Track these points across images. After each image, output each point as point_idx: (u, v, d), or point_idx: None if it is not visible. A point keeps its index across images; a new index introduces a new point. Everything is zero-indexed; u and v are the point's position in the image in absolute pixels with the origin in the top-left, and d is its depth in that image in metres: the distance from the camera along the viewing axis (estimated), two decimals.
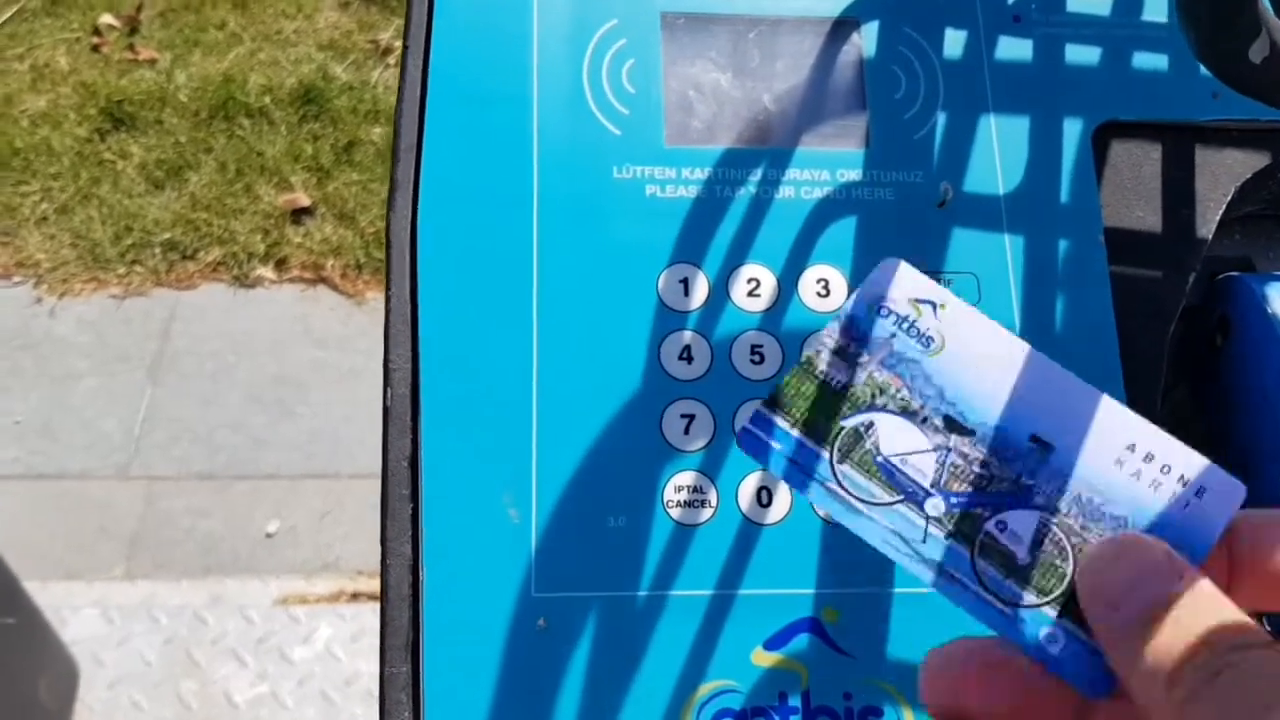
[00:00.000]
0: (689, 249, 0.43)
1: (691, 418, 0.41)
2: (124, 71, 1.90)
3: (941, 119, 0.46)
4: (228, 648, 1.29)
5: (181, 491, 1.45)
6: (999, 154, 0.45)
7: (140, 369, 1.57)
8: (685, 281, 0.43)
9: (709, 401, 0.41)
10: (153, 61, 1.93)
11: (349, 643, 1.30)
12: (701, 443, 0.41)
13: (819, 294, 0.43)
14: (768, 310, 0.43)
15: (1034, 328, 0.43)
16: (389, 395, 0.41)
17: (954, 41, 0.47)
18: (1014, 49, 0.47)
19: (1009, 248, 0.44)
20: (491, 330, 0.41)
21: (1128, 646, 0.24)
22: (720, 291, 0.43)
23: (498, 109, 0.44)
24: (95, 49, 1.95)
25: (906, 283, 0.29)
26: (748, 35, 0.46)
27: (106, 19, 1.99)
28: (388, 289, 0.42)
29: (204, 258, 1.68)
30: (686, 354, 0.42)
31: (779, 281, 0.43)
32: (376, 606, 1.33)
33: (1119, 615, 0.25)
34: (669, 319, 0.42)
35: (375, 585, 1.36)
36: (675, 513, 0.40)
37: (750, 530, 0.40)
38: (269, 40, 1.99)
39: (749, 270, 0.43)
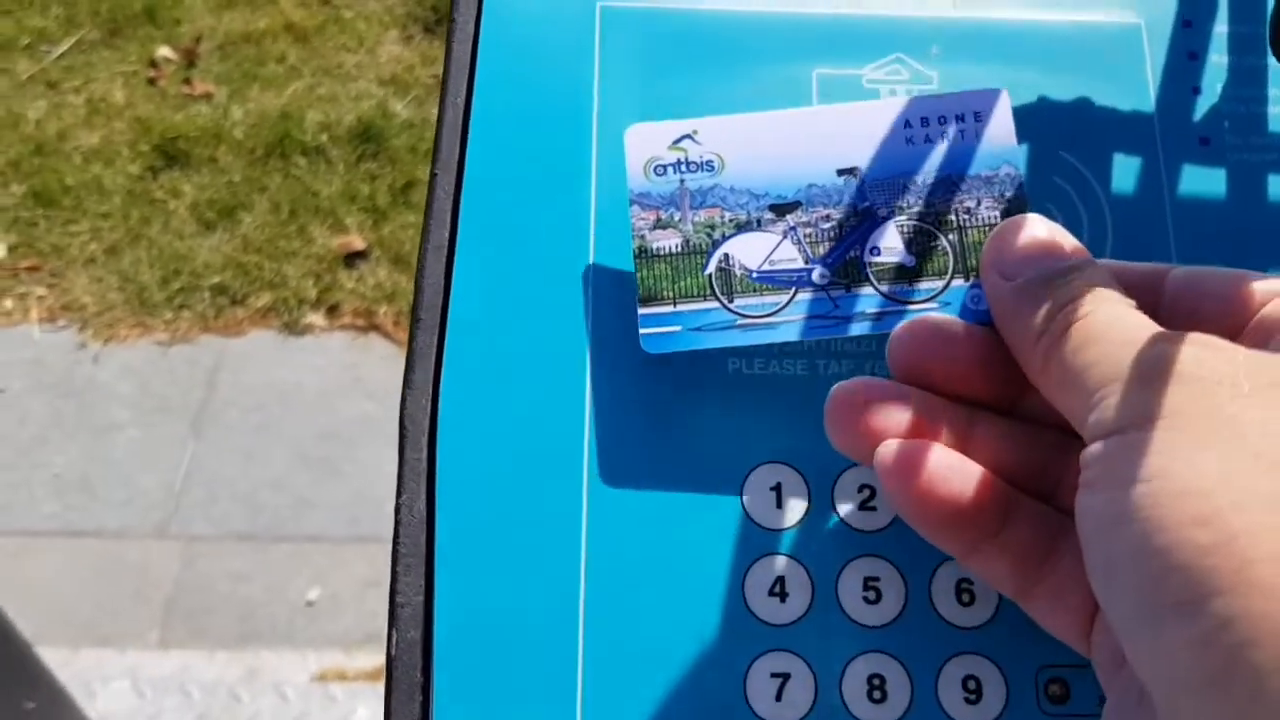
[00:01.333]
0: (785, 444, 0.33)
1: (785, 678, 0.32)
2: (179, 106, 1.85)
3: None
4: None
5: (220, 553, 1.39)
6: None
7: (183, 421, 1.51)
8: (779, 488, 0.33)
9: (808, 656, 0.32)
10: (209, 96, 1.88)
11: None
12: (797, 715, 0.31)
13: None
14: (885, 529, 0.33)
15: None
16: (393, 640, 0.31)
17: (1125, 170, 0.37)
18: (1203, 180, 0.37)
19: None
20: (528, 555, 0.32)
21: (1014, 311, 0.28)
22: (823, 502, 0.33)
23: (545, 263, 0.35)
24: (151, 82, 1.91)
25: (653, 139, 0.32)
26: None
27: (164, 51, 1.94)
28: (398, 493, 0.33)
29: (253, 303, 1.62)
30: (779, 588, 0.32)
31: None
32: None
33: (1009, 285, 0.29)
34: (756, 538, 0.33)
35: None
36: None
37: None
38: (329, 74, 1.93)
39: (859, 475, 0.33)
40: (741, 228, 0.31)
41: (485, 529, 0.32)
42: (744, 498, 0.33)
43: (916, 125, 0.32)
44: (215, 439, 1.49)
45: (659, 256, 0.31)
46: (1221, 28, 0.39)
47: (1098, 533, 0.24)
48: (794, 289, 0.31)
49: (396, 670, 0.31)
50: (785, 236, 0.31)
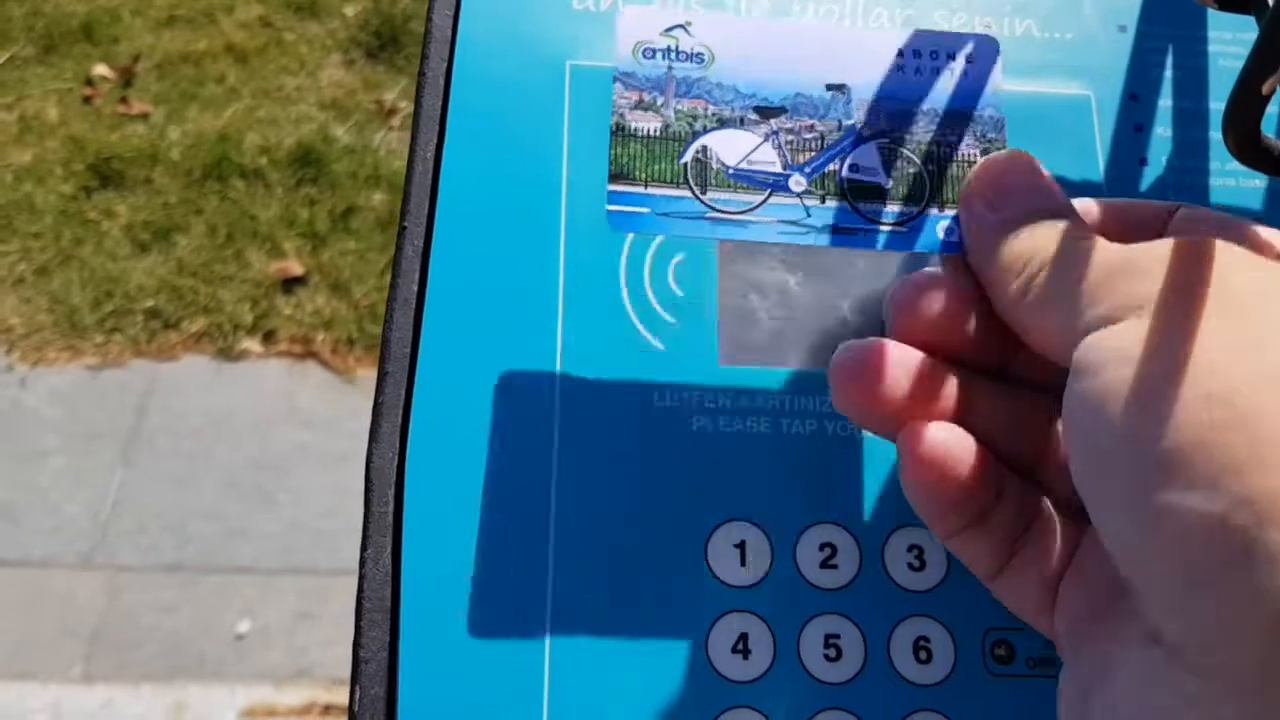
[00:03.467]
0: (746, 502, 0.34)
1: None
2: (115, 125, 1.82)
3: None
4: None
5: (148, 584, 1.35)
6: None
7: (112, 448, 1.47)
8: (741, 546, 0.33)
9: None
10: (146, 116, 1.85)
11: None
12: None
13: (911, 566, 0.34)
14: (846, 587, 0.33)
15: None
16: (356, 697, 0.31)
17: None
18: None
19: None
20: (494, 612, 0.32)
21: (992, 242, 0.28)
22: (786, 560, 0.33)
23: (513, 316, 0.35)
24: (87, 100, 1.87)
25: (646, 23, 0.31)
26: None
27: (100, 69, 1.91)
28: (363, 547, 0.33)
29: (188, 327, 1.59)
30: (742, 645, 0.33)
31: (860, 548, 0.34)
32: None
33: (994, 216, 0.29)
34: (720, 596, 0.33)
35: None
36: None
37: None
38: (269, 97, 1.91)
39: (822, 533, 0.34)
40: (724, 123, 0.31)
41: (451, 583, 0.32)
42: (707, 549, 0.33)
43: (909, 56, 0.32)
44: (145, 466, 1.46)
45: (635, 136, 0.31)
46: (1166, 102, 0.40)
47: (1092, 419, 0.23)
48: (769, 191, 0.30)
49: None
50: (766, 139, 0.31)
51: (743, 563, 0.33)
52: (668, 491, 0.34)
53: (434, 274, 0.35)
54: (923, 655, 0.33)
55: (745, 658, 0.32)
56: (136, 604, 1.33)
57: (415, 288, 0.35)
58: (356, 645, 0.32)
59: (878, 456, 0.35)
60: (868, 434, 0.35)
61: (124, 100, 1.87)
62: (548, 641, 0.32)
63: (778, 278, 0.36)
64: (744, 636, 0.33)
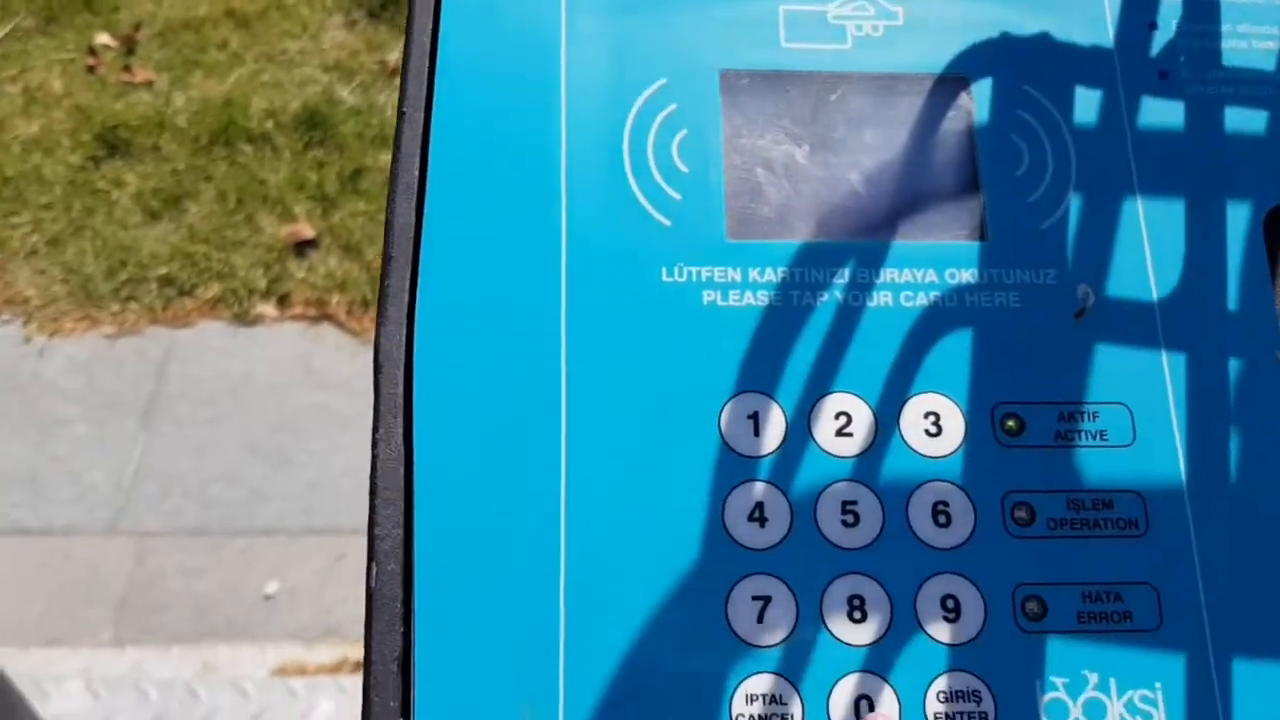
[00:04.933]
0: (759, 374, 0.33)
1: (766, 600, 0.32)
2: (120, 94, 1.82)
3: (1076, 203, 0.36)
4: None
5: (173, 549, 1.36)
6: (1149, 247, 0.36)
7: (132, 416, 1.48)
8: (755, 417, 0.33)
9: (788, 578, 0.32)
10: (150, 83, 1.84)
11: None
12: (780, 634, 0.31)
13: (928, 432, 0.33)
14: (862, 454, 0.33)
15: (1208, 474, 0.33)
16: (373, 573, 0.31)
17: (1087, 103, 0.37)
18: (1163, 113, 0.37)
19: (1168, 370, 0.34)
20: (507, 484, 0.32)
21: None
22: (800, 430, 0.33)
23: (516, 195, 0.34)
24: (90, 70, 1.87)
25: None
26: (829, 98, 0.37)
27: (102, 39, 1.90)
28: (375, 428, 0.33)
29: (202, 294, 1.59)
30: (758, 513, 0.32)
31: (876, 417, 0.33)
32: None
33: None
34: (735, 467, 0.33)
35: None
36: None
37: None
38: (272, 61, 1.90)
39: (836, 402, 0.33)
40: None
41: (464, 459, 0.32)
42: (721, 421, 0.33)
43: None
44: (166, 432, 1.46)
45: None
46: None
47: None
48: None
49: (377, 602, 0.30)
50: None
51: (757, 433, 0.33)
52: (679, 367, 0.33)
53: (434, 157, 0.35)
54: (941, 519, 0.32)
55: (762, 525, 0.32)
56: (163, 569, 1.34)
57: (416, 172, 0.35)
58: (371, 524, 0.31)
59: (890, 326, 0.34)
60: (876, 304, 0.34)
61: (127, 69, 1.86)
62: (563, 512, 0.32)
63: (785, 151, 0.36)
64: (760, 505, 0.32)
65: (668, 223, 0.34)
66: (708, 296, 0.34)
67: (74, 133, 1.76)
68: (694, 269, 0.34)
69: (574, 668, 0.31)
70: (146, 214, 1.67)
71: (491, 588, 0.31)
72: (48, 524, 1.37)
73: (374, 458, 0.32)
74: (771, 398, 0.33)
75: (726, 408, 0.33)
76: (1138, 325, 0.35)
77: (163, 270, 1.60)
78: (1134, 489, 0.33)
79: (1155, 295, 0.35)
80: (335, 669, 1.26)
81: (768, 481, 0.32)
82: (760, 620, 0.31)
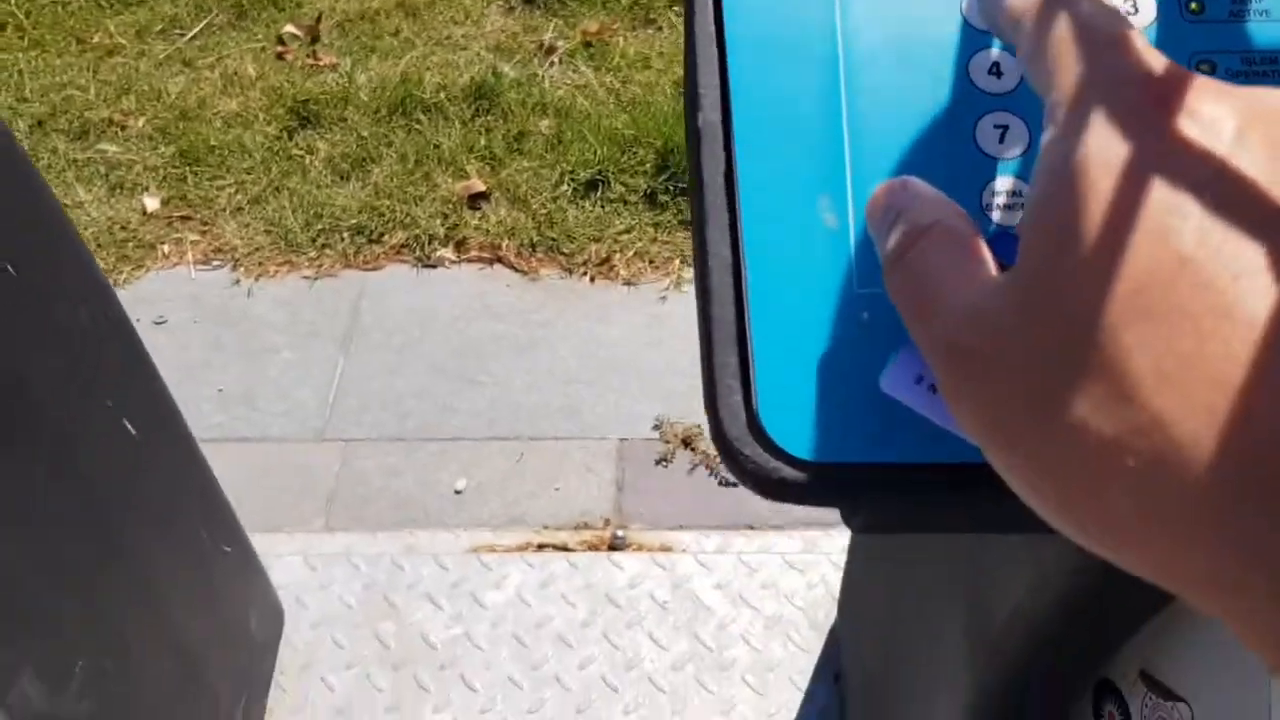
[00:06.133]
0: None
1: (1005, 128, 0.42)
2: (308, 75, 2.01)
3: None
4: (423, 592, 1.33)
5: (374, 452, 1.51)
6: None
7: (332, 343, 1.64)
8: None
9: (1022, 113, 0.42)
10: (334, 66, 2.03)
11: (538, 589, 1.32)
12: (1018, 150, 0.41)
13: (1128, 13, 0.43)
14: None
15: None
16: (700, 119, 0.42)
17: None
18: None
19: None
20: (799, 49, 0.42)
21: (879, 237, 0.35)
22: None
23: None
24: (280, 57, 2.07)
25: None
26: None
27: (289, 29, 2.11)
28: (688, 13, 0.44)
29: (389, 241, 1.75)
30: (996, 69, 0.42)
31: None
32: (564, 557, 1.36)
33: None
34: (975, 38, 0.43)
35: (561, 538, 1.38)
36: (996, 215, 0.41)
37: None
38: (440, 45, 2.08)
39: None
40: None
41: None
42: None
43: None
44: (362, 357, 1.62)
45: None
46: None
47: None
48: None
49: (706, 192, 0.41)
50: None
51: None
52: None
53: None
54: None
55: (999, 78, 0.42)
56: (366, 469, 1.48)
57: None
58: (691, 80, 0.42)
59: None
60: None
61: (313, 54, 2.06)
62: (842, 71, 0.42)
63: None
64: (996, 64, 0.42)
65: None
66: None
67: (269, 109, 1.95)
68: None
69: (859, 174, 0.41)
70: (337, 175, 1.84)
71: (791, 121, 0.41)
72: (263, 433, 1.53)
73: (689, 34, 0.43)
74: None
75: None
76: None
77: (353, 222, 1.77)
78: None
79: None
80: (522, 549, 1.38)
81: (1002, 49, 0.42)
82: (1001, 141, 0.41)
